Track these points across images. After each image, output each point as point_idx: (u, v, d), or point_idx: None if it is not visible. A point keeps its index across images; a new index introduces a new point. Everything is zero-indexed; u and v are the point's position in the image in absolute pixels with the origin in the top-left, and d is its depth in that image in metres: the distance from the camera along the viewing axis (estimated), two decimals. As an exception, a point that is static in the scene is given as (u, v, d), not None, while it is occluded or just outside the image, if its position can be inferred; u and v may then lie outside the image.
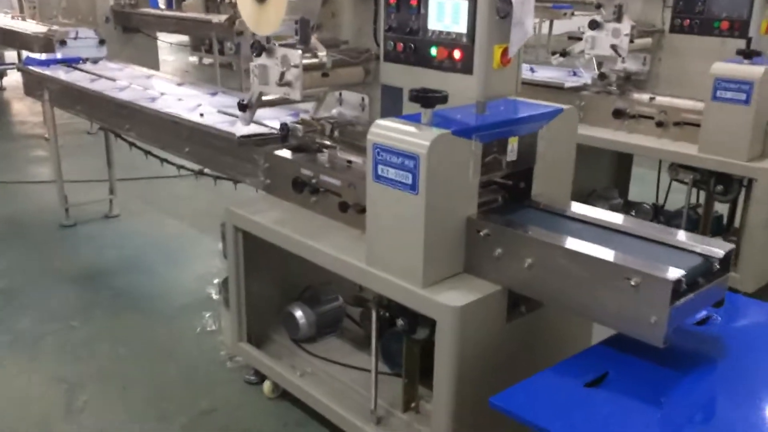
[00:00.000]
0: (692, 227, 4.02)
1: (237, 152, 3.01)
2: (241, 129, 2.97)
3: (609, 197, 4.66)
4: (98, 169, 5.11)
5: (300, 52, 2.57)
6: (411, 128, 2.11)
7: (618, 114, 4.17)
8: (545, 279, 2.01)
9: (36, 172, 6.00)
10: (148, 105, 3.46)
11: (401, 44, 2.68)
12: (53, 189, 4.82)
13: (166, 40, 11.79)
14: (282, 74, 2.60)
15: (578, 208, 2.33)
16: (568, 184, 2.54)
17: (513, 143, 2.24)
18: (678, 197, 4.34)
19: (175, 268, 4.20)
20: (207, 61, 11.68)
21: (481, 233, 2.12)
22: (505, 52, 2.50)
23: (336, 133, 2.92)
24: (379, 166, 2.14)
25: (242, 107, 2.89)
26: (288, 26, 2.82)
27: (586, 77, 4.60)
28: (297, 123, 2.90)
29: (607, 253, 1.91)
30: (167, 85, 4.05)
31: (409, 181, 2.05)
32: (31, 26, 7.03)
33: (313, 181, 2.68)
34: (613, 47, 4.08)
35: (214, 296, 3.74)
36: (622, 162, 4.91)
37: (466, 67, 2.49)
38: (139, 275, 4.09)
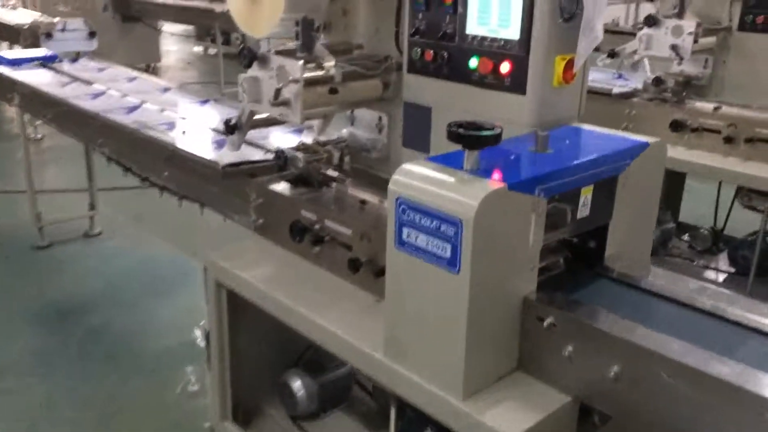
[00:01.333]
0: (765, 259, 3.42)
1: (223, 183, 2.43)
2: (228, 155, 2.39)
3: (661, 220, 4.04)
4: (84, 176, 4.54)
5: (301, 62, 1.98)
6: (449, 178, 1.52)
7: (677, 126, 3.56)
8: (638, 397, 1.42)
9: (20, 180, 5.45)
10: (120, 119, 2.88)
11: (431, 52, 2.08)
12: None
13: (168, 30, 11.28)
14: (278, 91, 2.01)
15: (667, 278, 1.74)
16: (648, 241, 1.94)
17: (586, 194, 1.65)
18: (739, 216, 3.74)
19: (160, 301, 3.65)
20: (212, 51, 11.08)
21: (544, 322, 1.54)
22: (569, 64, 1.90)
23: (346, 162, 2.34)
24: (405, 230, 1.55)
25: (229, 129, 2.30)
26: (287, 27, 2.23)
27: (635, 81, 3.99)
28: (297, 149, 2.31)
29: (732, 371, 1.32)
30: (151, 90, 3.47)
31: (447, 254, 1.46)
32: (19, 16, 6.45)
33: (316, 226, 2.10)
34: (674, 48, 3.46)
35: (200, 341, 3.18)
36: (673, 178, 4.29)
37: (517, 83, 1.90)
38: (117, 311, 3.54)
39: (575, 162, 1.61)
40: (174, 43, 11.89)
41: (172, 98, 3.31)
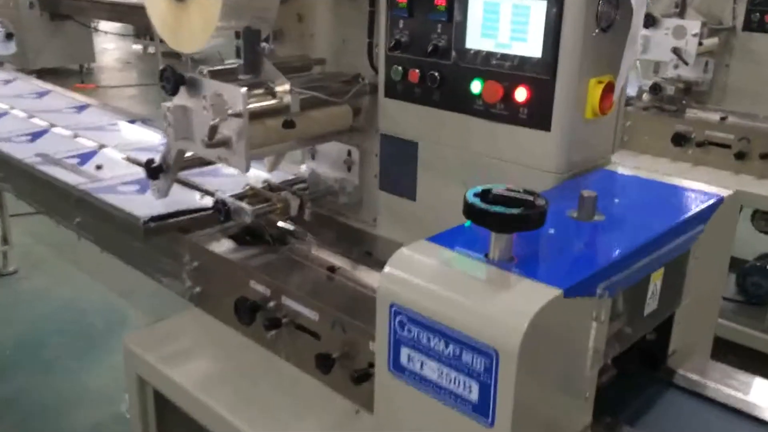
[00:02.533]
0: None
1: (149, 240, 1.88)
2: (153, 203, 1.84)
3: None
4: None
5: (245, 89, 1.46)
6: (473, 276, 1.02)
7: (679, 140, 3.14)
8: None
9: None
10: (19, 150, 2.29)
11: (416, 72, 1.58)
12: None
13: (104, 29, 10.50)
14: (213, 128, 1.49)
15: (736, 380, 1.28)
16: (713, 325, 1.48)
17: (656, 281, 1.16)
18: (745, 236, 3.35)
19: (88, 358, 3.07)
20: (152, 49, 10.35)
21: (609, 476, 1.05)
22: (608, 89, 1.42)
23: (307, 211, 1.82)
24: (404, 350, 1.04)
25: (152, 172, 1.76)
26: (226, 40, 1.70)
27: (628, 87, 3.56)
28: (243, 195, 1.78)
29: None
30: (64, 108, 2.87)
31: (473, 397, 0.96)
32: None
33: (271, 304, 1.58)
34: (676, 51, 3.04)
35: (127, 414, 2.62)
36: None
37: (538, 116, 1.41)
38: (32, 374, 2.94)
39: (642, 238, 1.12)
40: (111, 41, 11.11)
41: (89, 119, 2.72)
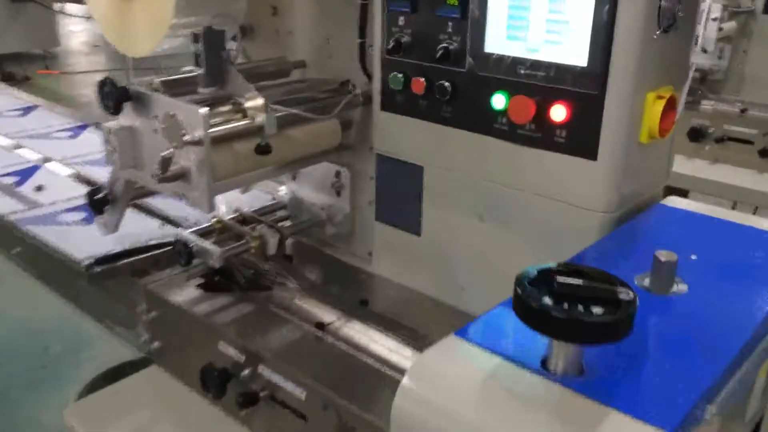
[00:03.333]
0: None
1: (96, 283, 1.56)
2: (101, 238, 1.51)
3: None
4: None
5: (206, 109, 1.14)
6: (532, 407, 0.71)
7: (696, 135, 2.85)
8: None
9: None
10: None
11: (421, 80, 1.27)
12: None
13: (70, 11, 9.95)
14: (166, 160, 1.16)
15: None
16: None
17: (762, 377, 0.87)
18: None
19: (40, 389, 2.73)
20: (122, 32, 9.83)
21: None
22: (669, 105, 1.12)
23: (287, 248, 1.51)
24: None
25: (95, 205, 1.44)
26: (184, 40, 1.38)
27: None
28: (210, 230, 1.47)
29: None
30: (6, 112, 2.51)
31: None
32: None
33: (245, 372, 1.27)
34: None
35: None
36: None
37: (581, 139, 1.11)
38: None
39: (748, 324, 0.83)
40: (79, 22, 10.58)
41: (32, 126, 2.37)
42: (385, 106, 1.36)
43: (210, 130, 1.15)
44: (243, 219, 1.53)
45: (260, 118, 1.21)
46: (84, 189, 1.87)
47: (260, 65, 1.43)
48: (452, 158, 1.29)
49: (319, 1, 1.45)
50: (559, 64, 1.09)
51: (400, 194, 1.41)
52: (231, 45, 1.37)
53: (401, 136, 1.35)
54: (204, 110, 1.13)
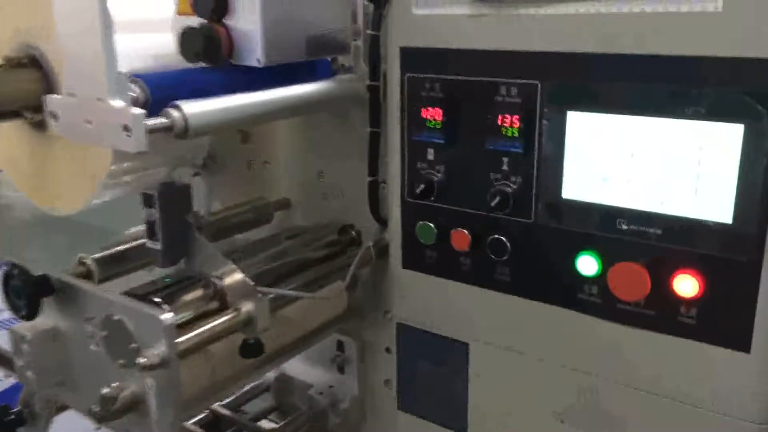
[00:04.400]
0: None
1: None
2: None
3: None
4: None
5: (170, 315, 0.75)
6: None
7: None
8: None
9: None
10: None
11: (464, 233, 0.92)
12: None
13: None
14: (108, 398, 0.76)
15: None
16: None
17: None
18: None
19: None
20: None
21: None
22: None
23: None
24: None
25: (6, 427, 1.01)
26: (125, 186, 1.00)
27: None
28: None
29: None
30: None
31: None
32: None
33: None
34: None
35: None
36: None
37: (724, 323, 0.77)
38: None
39: None
40: None
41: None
42: (410, 264, 1.00)
43: (178, 340, 0.76)
44: (215, 417, 1.13)
45: (247, 308, 0.83)
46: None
47: (231, 214, 1.05)
48: (514, 335, 0.94)
49: (305, 126, 1.10)
50: (687, 218, 0.76)
51: (435, 376, 1.04)
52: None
53: (435, 302, 0.99)
54: (167, 317, 0.74)
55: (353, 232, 1.09)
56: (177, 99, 0.73)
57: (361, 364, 1.14)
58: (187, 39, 0.82)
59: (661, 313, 0.81)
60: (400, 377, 1.08)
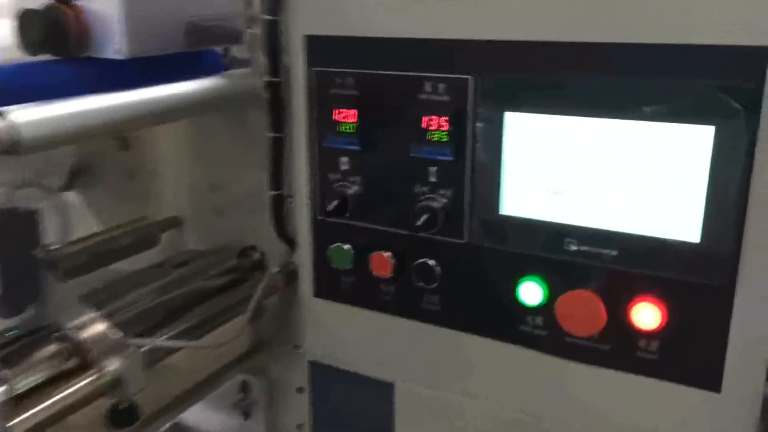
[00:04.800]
0: None
1: None
2: None
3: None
4: None
5: (4, 386, 0.57)
6: None
7: None
8: None
9: None
10: None
11: (385, 257, 0.78)
12: None
13: None
14: None
15: None
16: None
17: None
18: None
19: None
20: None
21: None
22: (821, 293, 0.69)
23: None
24: None
25: None
26: None
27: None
28: None
29: None
30: None
31: None
32: None
33: None
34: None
35: None
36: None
37: (691, 359, 0.66)
38: None
39: None
40: None
41: None
42: (323, 292, 0.85)
43: (22, 417, 0.58)
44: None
45: (114, 366, 0.66)
46: None
47: (103, 240, 0.87)
48: (446, 373, 0.80)
49: (195, 130, 0.93)
50: (646, 237, 0.64)
51: (356, 420, 0.89)
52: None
53: (353, 336, 0.85)
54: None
55: (256, 255, 0.92)
56: (5, 103, 0.55)
57: (270, 408, 0.98)
58: (26, 24, 0.64)
59: (617, 348, 0.69)
60: (315, 422, 0.93)
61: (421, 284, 0.77)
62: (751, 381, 0.64)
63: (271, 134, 0.83)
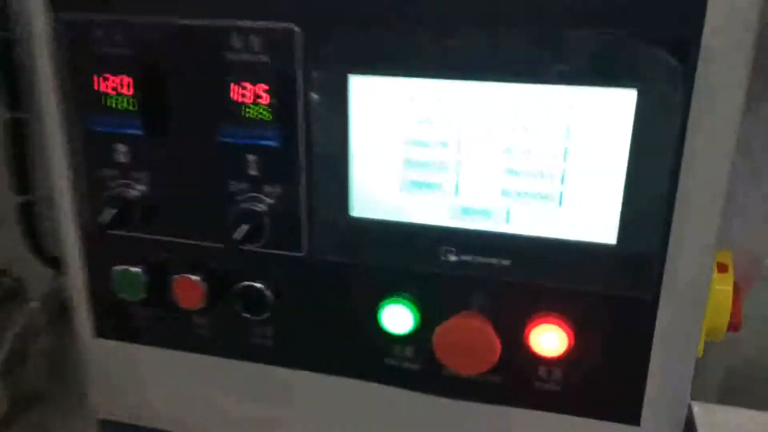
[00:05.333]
0: None
1: None
2: None
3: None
4: None
5: None
6: None
7: None
8: None
9: None
10: None
11: (194, 281, 0.56)
12: None
13: None
14: None
15: None
16: None
17: None
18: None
19: None
20: None
21: None
22: (737, 291, 0.57)
23: None
24: None
25: None
26: None
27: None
28: None
29: None
30: None
31: None
32: None
33: None
34: None
35: None
36: None
37: (601, 389, 0.52)
38: None
39: None
40: None
41: None
42: (108, 331, 0.62)
43: None
44: None
45: None
46: None
47: None
48: (289, 425, 0.61)
49: None
50: (546, 239, 0.48)
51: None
52: None
53: (157, 386, 0.63)
54: None
55: (7, 282, 0.66)
56: None
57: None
58: None
59: (510, 380, 0.53)
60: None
61: (247, 315, 0.56)
62: (674, 410, 0.52)
63: (8, 114, 0.56)
